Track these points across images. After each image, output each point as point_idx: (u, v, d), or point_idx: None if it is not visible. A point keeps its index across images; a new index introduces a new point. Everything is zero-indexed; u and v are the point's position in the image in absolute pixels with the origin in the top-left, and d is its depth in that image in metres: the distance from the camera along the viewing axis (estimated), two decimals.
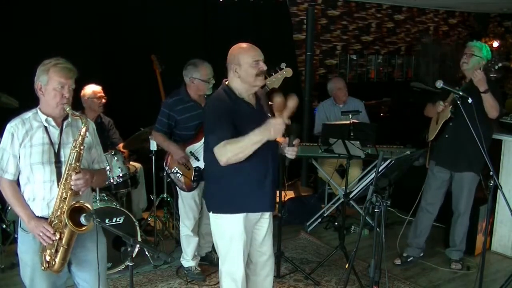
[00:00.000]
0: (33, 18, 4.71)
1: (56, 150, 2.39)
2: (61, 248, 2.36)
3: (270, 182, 2.72)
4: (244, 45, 2.68)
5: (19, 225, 2.48)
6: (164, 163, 3.86)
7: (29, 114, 2.42)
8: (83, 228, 2.33)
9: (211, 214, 2.77)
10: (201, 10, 5.77)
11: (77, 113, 2.41)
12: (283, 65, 3.26)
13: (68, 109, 2.38)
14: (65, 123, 2.45)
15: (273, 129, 2.40)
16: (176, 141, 3.73)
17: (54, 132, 2.42)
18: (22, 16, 4.65)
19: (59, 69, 2.35)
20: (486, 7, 8.44)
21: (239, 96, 2.64)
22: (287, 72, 3.26)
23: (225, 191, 2.69)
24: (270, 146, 2.61)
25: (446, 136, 3.89)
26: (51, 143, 2.39)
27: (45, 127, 2.40)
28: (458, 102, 3.37)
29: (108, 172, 4.06)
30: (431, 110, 4.07)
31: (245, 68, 2.58)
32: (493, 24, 9.19)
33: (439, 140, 3.95)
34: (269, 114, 2.71)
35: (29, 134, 2.36)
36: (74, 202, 2.36)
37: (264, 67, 2.62)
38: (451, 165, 3.91)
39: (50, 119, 2.41)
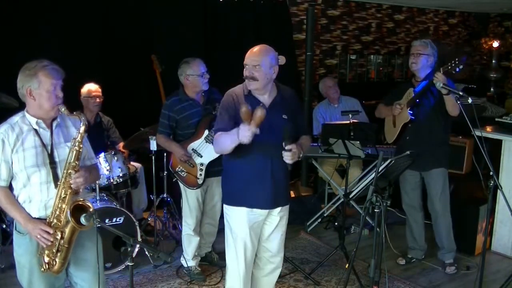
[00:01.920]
0: (33, 18, 4.71)
1: (49, 152, 2.39)
2: (63, 247, 2.37)
3: (270, 179, 2.76)
4: (253, 48, 2.77)
5: (14, 228, 2.46)
6: (169, 164, 3.89)
7: (16, 119, 2.40)
8: (85, 225, 2.33)
9: (223, 204, 2.94)
10: (201, 10, 5.76)
11: (74, 113, 2.41)
12: None
13: (63, 109, 2.38)
14: (54, 124, 2.45)
15: (240, 133, 2.52)
16: (179, 141, 3.75)
17: (45, 134, 2.42)
18: (22, 16, 4.65)
19: (48, 71, 2.35)
20: (486, 7, 8.43)
21: (252, 93, 2.77)
22: (280, 60, 3.30)
23: (230, 184, 2.86)
24: (272, 143, 2.66)
25: (407, 138, 3.88)
26: (43, 145, 2.39)
27: (35, 129, 2.39)
28: (458, 102, 3.37)
29: (108, 172, 4.07)
30: (385, 111, 4.08)
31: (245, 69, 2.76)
32: (493, 24, 9.19)
33: (401, 143, 3.93)
34: (285, 116, 2.76)
35: (20, 138, 2.35)
36: (76, 200, 2.37)
37: (245, 73, 2.72)
38: (418, 166, 3.86)
39: (40, 121, 2.40)
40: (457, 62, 3.45)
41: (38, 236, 2.34)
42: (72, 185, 2.35)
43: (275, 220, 2.89)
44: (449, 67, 3.48)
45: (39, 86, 2.34)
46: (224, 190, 2.97)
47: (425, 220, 4.16)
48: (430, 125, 3.77)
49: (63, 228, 2.36)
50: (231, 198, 2.85)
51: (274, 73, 2.75)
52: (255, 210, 2.79)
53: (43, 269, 2.39)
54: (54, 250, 2.37)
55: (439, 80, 3.46)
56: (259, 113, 2.49)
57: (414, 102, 3.74)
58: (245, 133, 2.49)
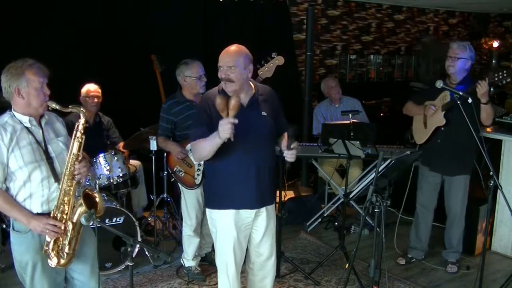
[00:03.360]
0: (33, 17, 4.71)
1: (43, 148, 2.42)
2: (74, 237, 2.40)
3: (255, 178, 2.71)
4: (226, 48, 2.72)
5: (12, 228, 2.45)
6: (167, 164, 3.89)
7: (5, 119, 2.41)
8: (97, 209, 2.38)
9: (206, 209, 2.89)
10: (201, 10, 5.77)
11: (70, 106, 2.43)
12: (274, 54, 3.30)
13: (53, 104, 2.40)
14: (43, 121, 2.48)
15: (220, 130, 2.46)
16: (177, 142, 3.76)
17: (37, 131, 2.44)
18: (22, 16, 4.65)
19: (36, 69, 2.37)
20: (486, 7, 8.44)
21: (227, 94, 2.70)
22: (278, 60, 3.31)
23: (213, 187, 2.81)
24: (254, 141, 2.65)
25: (439, 141, 3.83)
26: (37, 142, 2.41)
27: (27, 127, 2.41)
28: (458, 102, 3.34)
29: (108, 172, 4.08)
30: (415, 109, 4.01)
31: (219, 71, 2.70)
32: (493, 24, 9.20)
33: (431, 145, 3.88)
34: (264, 113, 2.72)
35: (14, 138, 2.36)
36: (85, 188, 2.42)
37: (221, 75, 2.67)
38: (443, 170, 3.87)
39: (32, 119, 2.42)
40: (505, 75, 3.37)
41: (47, 231, 2.34)
42: (76, 176, 2.39)
43: (263, 225, 2.84)
44: (496, 78, 3.41)
45: (28, 85, 2.35)
46: (207, 194, 2.90)
47: (434, 222, 4.15)
48: (462, 131, 3.62)
49: (70, 219, 2.39)
50: (216, 201, 2.78)
51: (249, 72, 2.71)
52: (241, 211, 2.75)
53: (52, 263, 2.40)
54: (65, 242, 2.39)
55: (483, 90, 3.38)
56: (234, 101, 2.45)
57: (451, 107, 3.65)
58: (224, 126, 2.44)
